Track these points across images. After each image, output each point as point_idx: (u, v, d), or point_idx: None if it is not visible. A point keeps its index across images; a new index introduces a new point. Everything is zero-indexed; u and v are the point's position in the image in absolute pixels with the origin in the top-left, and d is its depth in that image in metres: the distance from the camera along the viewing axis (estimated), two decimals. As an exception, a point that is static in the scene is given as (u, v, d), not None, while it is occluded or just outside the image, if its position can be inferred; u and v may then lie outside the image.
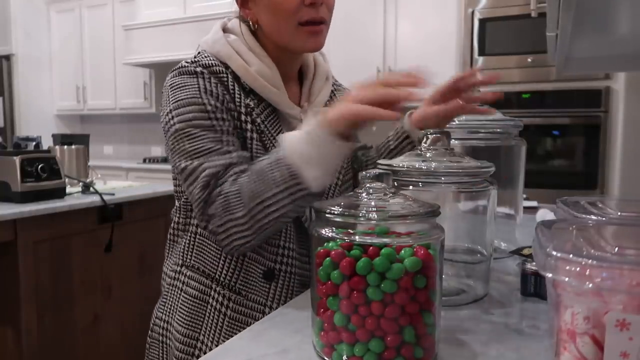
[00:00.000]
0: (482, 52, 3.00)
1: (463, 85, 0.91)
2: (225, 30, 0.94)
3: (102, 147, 5.37)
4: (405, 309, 0.54)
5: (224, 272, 0.91)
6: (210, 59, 0.89)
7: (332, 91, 1.04)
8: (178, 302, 0.95)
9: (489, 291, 0.83)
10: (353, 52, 3.54)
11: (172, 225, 0.98)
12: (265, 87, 0.90)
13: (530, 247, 0.98)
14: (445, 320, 0.70)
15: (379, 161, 0.78)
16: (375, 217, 0.56)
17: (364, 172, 0.61)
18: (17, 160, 1.87)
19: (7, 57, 4.88)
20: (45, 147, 2.41)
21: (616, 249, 0.45)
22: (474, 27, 3.00)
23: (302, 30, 0.87)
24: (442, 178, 0.74)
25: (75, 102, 5.10)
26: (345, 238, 0.57)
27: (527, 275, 0.82)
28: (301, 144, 0.75)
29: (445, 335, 0.66)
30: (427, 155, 0.76)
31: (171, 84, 0.87)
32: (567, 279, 0.42)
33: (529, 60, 2.86)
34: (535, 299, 0.80)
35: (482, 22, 2.98)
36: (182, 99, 0.84)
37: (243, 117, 0.88)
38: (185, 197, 0.93)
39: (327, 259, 0.57)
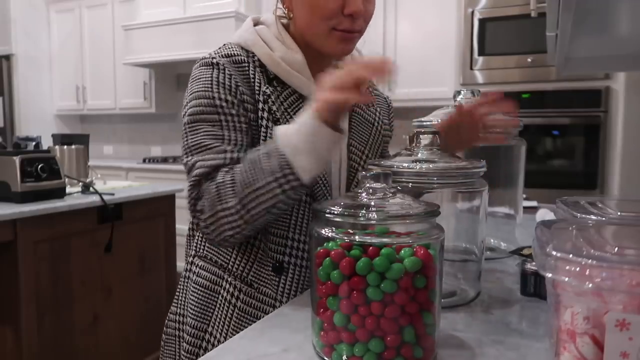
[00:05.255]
0: (482, 52, 3.00)
1: (479, 114, 0.92)
2: (257, 23, 0.95)
3: (102, 147, 5.38)
4: (405, 309, 0.54)
5: (237, 262, 0.91)
6: (234, 49, 0.90)
7: (370, 92, 1.05)
8: (188, 293, 0.95)
9: (480, 290, 0.83)
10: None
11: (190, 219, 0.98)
12: (288, 72, 0.89)
13: (530, 247, 0.98)
14: (444, 320, 0.70)
15: (370, 161, 0.78)
16: (375, 217, 0.56)
17: (363, 172, 0.61)
18: (17, 160, 1.87)
19: (7, 57, 4.88)
20: (45, 147, 2.41)
21: (616, 249, 0.45)
22: (473, 27, 3.00)
23: (334, 34, 0.86)
24: (435, 178, 0.74)
25: (75, 102, 5.09)
26: (345, 238, 0.57)
27: (527, 275, 0.82)
28: (293, 135, 0.74)
29: (445, 335, 0.66)
30: (420, 156, 0.76)
31: (191, 77, 0.89)
32: (567, 279, 0.42)
33: (529, 60, 2.86)
34: (535, 299, 0.80)
35: (482, 22, 2.98)
36: (195, 92, 0.86)
37: (260, 106, 0.87)
38: None
39: (327, 259, 0.57)
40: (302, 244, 0.90)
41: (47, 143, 2.52)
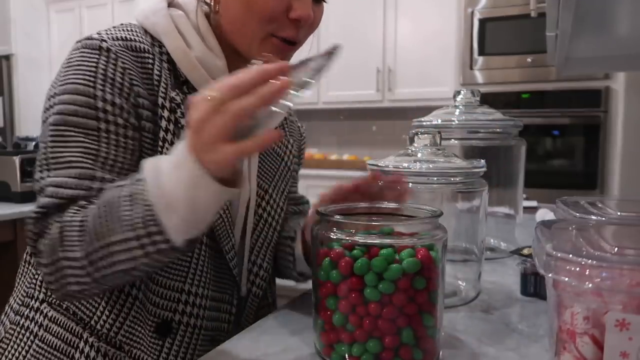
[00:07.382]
0: (481, 52, 3.00)
1: (365, 189, 0.70)
2: (171, 4, 0.74)
3: (102, 147, 5.37)
4: (403, 310, 0.54)
5: (104, 316, 0.69)
6: (134, 32, 0.69)
7: (285, 118, 0.89)
8: (27, 352, 0.70)
9: (480, 290, 0.83)
10: (352, 53, 3.54)
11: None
12: (205, 80, 0.70)
13: (530, 247, 0.98)
14: (444, 320, 0.70)
15: (369, 162, 0.77)
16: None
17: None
18: (17, 160, 1.87)
19: (7, 57, 4.88)
20: (45, 147, 2.40)
21: (616, 249, 0.45)
22: (473, 27, 3.00)
23: (270, 41, 0.69)
24: (435, 179, 0.74)
25: (75, 102, 5.10)
26: (348, 238, 0.56)
27: (527, 275, 0.82)
28: (166, 179, 0.53)
29: (444, 335, 0.66)
30: (419, 156, 0.75)
31: (68, 60, 0.66)
32: (567, 279, 0.42)
33: (529, 60, 2.86)
34: (535, 299, 0.80)
35: (482, 22, 2.98)
36: (70, 82, 0.64)
37: (165, 114, 0.68)
38: None
39: (327, 258, 0.57)
40: (199, 299, 0.70)
41: (47, 143, 2.52)
